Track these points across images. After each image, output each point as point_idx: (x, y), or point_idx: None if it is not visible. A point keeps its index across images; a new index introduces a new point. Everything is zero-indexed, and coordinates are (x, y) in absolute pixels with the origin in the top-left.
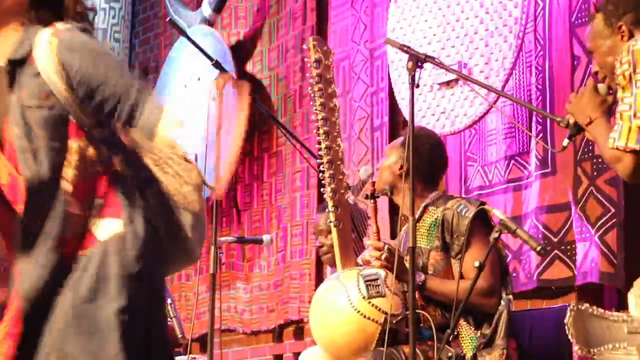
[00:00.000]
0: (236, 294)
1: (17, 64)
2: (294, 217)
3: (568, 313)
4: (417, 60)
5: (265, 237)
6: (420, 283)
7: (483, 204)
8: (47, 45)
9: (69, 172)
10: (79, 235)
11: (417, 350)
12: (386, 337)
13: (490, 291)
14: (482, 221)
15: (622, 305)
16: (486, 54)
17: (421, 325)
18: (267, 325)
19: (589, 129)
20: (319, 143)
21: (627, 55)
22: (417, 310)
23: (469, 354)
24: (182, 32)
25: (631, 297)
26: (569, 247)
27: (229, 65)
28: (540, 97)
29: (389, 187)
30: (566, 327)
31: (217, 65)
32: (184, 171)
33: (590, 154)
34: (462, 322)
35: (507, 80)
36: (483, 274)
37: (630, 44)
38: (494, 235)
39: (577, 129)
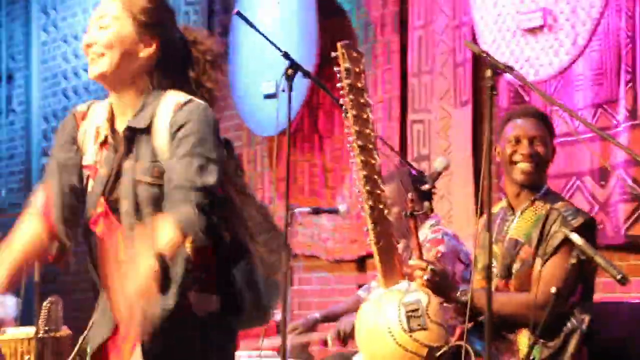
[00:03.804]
0: (319, 222)
1: (138, 132)
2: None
3: None
4: (496, 69)
5: (342, 207)
6: (466, 300)
7: (592, 218)
8: (167, 119)
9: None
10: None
11: None
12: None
13: (537, 305)
14: (586, 233)
15: None
16: (572, 0)
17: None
18: (350, 255)
19: None
20: (354, 157)
21: None
22: (459, 343)
23: None
24: (250, 24)
25: None
26: None
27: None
28: (630, 45)
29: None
30: None
31: (286, 56)
32: (271, 239)
33: None
34: (524, 329)
35: (595, 27)
36: (541, 288)
37: None
38: (572, 261)
39: None
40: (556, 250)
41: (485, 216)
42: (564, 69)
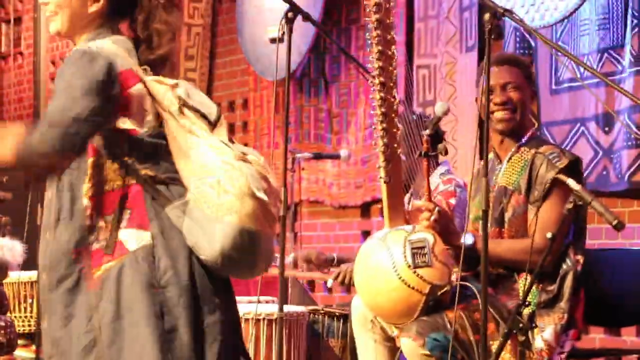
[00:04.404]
0: (324, 167)
1: None
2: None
3: None
4: (495, 13)
5: (343, 153)
6: (471, 245)
7: (577, 158)
8: None
9: (85, 187)
10: (105, 247)
11: (461, 314)
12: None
13: (535, 250)
14: (571, 173)
15: None
16: None
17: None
18: (355, 201)
19: None
20: (373, 94)
21: None
22: (462, 282)
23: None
24: None
25: None
26: None
27: None
28: None
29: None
30: None
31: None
32: (228, 179)
33: None
34: (523, 274)
35: None
36: (538, 233)
37: None
38: (568, 206)
39: None
40: (547, 194)
41: (476, 167)
42: (570, 14)
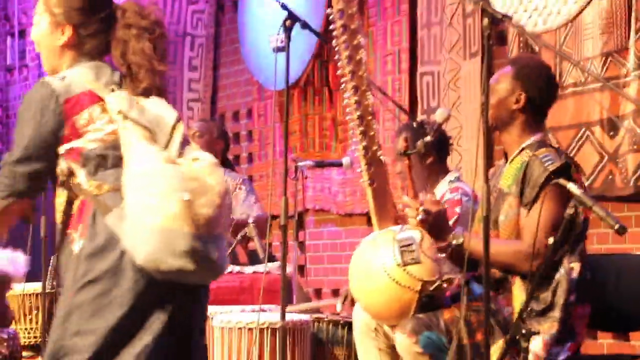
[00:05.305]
0: (329, 175)
1: None
2: (385, 102)
3: None
4: (494, 19)
5: (345, 160)
6: (460, 243)
7: (567, 162)
8: None
9: (58, 216)
10: None
11: (457, 315)
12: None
13: (525, 256)
14: (561, 177)
15: None
16: None
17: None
18: (361, 209)
19: None
20: (348, 99)
21: None
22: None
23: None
24: None
25: None
26: None
27: None
28: None
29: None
30: None
31: (284, 7)
32: (153, 182)
33: None
34: (517, 279)
35: None
36: (528, 235)
37: None
38: (569, 212)
39: None
40: (537, 197)
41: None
42: (573, 18)
